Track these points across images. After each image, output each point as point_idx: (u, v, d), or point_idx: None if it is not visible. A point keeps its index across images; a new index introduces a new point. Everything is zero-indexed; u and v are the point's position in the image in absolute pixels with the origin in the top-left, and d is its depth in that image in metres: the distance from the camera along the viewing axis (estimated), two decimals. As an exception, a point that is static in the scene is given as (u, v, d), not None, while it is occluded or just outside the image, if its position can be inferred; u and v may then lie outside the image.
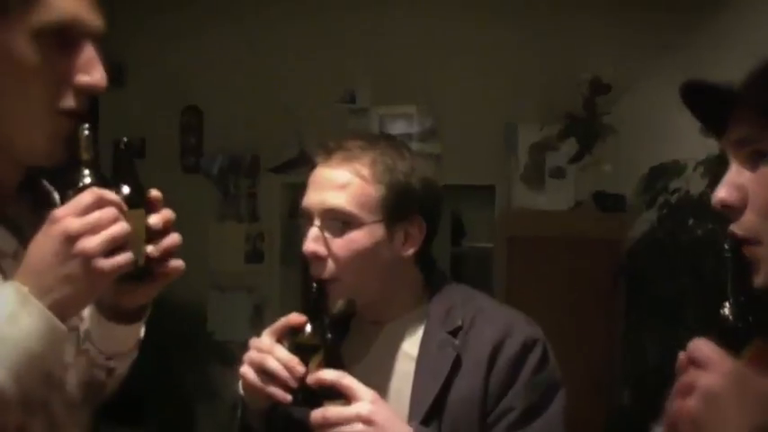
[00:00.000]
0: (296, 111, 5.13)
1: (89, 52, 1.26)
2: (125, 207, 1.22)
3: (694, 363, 1.06)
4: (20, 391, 1.15)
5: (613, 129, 4.32)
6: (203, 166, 5.42)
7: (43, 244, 1.18)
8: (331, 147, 1.69)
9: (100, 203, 1.18)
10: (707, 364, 1.04)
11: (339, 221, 1.64)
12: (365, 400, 1.50)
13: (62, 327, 1.18)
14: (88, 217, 1.16)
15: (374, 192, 1.64)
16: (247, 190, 5.35)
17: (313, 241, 1.64)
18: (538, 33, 4.78)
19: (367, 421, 1.48)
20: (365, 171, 1.65)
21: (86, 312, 1.43)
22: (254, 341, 1.58)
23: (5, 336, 1.13)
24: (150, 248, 1.26)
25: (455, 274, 5.50)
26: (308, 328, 1.55)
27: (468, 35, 4.92)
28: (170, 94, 5.35)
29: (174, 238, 1.30)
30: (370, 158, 1.66)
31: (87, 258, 1.15)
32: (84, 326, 1.44)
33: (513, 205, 4.70)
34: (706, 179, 3.94)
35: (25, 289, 1.15)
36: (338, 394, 1.50)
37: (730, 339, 1.08)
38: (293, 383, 1.51)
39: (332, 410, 1.49)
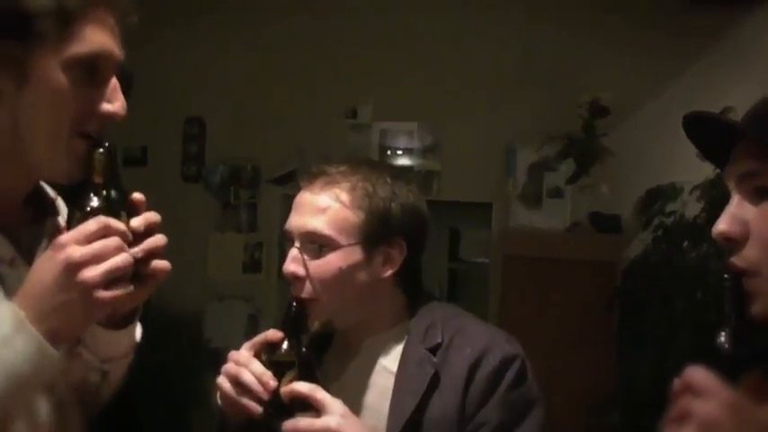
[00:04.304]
0: (297, 124, 5.17)
1: (114, 82, 1.32)
2: (130, 236, 1.24)
3: (691, 390, 1.05)
4: (6, 411, 1.18)
5: (611, 151, 4.34)
6: (204, 176, 5.46)
7: (45, 269, 1.20)
8: (314, 172, 1.75)
9: (105, 232, 1.21)
10: (705, 392, 1.04)
11: (317, 244, 1.69)
12: (335, 413, 1.53)
13: (54, 353, 1.19)
14: (92, 246, 1.19)
15: (353, 216, 1.69)
16: (247, 200, 5.39)
17: (292, 262, 1.70)
18: (538, 55, 4.82)
19: None
20: (344, 196, 1.70)
21: None
22: (232, 354, 1.63)
23: None
24: (134, 250, 1.26)
25: (452, 289, 5.53)
26: (285, 344, 1.59)
27: (469, 55, 4.97)
28: (173, 104, 5.38)
29: (157, 239, 1.31)
30: (351, 184, 1.71)
31: (87, 288, 1.17)
32: None
33: (510, 224, 4.72)
34: (702, 203, 3.97)
35: (22, 314, 1.18)
36: (310, 407, 1.54)
37: (726, 368, 1.07)
38: (265, 397, 1.55)
39: (303, 421, 1.53)
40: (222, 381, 1.61)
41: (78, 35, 1.26)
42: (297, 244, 1.71)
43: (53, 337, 1.19)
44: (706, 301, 3.53)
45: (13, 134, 1.27)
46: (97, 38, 1.28)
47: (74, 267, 1.17)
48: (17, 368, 1.16)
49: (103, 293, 1.18)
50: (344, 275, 1.69)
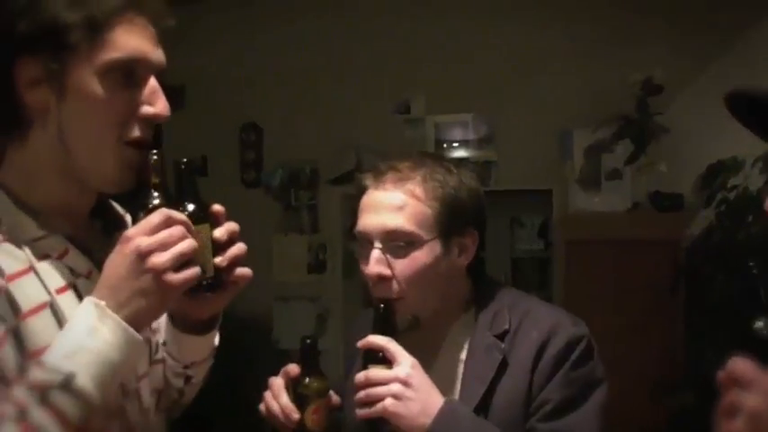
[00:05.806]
0: (352, 123, 5.21)
1: (152, 85, 1.35)
2: (192, 225, 1.30)
3: (737, 382, 1.05)
4: (103, 399, 1.23)
5: (667, 128, 4.30)
6: (264, 181, 5.54)
7: (117, 262, 1.26)
8: (381, 170, 1.74)
9: (168, 222, 1.26)
10: (750, 384, 1.04)
11: (401, 242, 1.69)
12: (406, 364, 1.60)
13: (138, 337, 1.25)
14: (158, 235, 1.25)
15: (428, 209, 1.70)
16: (308, 202, 5.45)
17: (376, 263, 1.70)
18: (588, 37, 4.79)
19: (404, 383, 1.58)
20: (418, 190, 1.70)
21: (161, 325, 1.53)
22: (271, 381, 1.70)
23: (88, 347, 1.21)
24: (218, 260, 1.34)
25: (516, 276, 5.53)
26: (307, 379, 1.66)
27: (520, 42, 4.96)
28: (229, 112, 5.47)
29: (239, 248, 1.37)
30: (421, 177, 1.71)
31: (158, 273, 1.23)
32: (159, 338, 1.53)
33: (570, 208, 4.71)
34: (765, 175, 3.91)
35: (102, 303, 1.24)
36: (383, 360, 1.61)
37: (765, 354, 1.06)
38: (291, 426, 1.64)
39: (374, 372, 1.60)
40: (262, 408, 1.71)
41: (109, 42, 1.29)
42: (378, 244, 1.71)
43: (133, 322, 1.25)
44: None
45: (62, 147, 1.32)
46: (129, 42, 1.31)
47: (143, 255, 1.23)
48: (107, 355, 1.22)
49: (174, 276, 1.24)
50: (429, 270, 1.71)
